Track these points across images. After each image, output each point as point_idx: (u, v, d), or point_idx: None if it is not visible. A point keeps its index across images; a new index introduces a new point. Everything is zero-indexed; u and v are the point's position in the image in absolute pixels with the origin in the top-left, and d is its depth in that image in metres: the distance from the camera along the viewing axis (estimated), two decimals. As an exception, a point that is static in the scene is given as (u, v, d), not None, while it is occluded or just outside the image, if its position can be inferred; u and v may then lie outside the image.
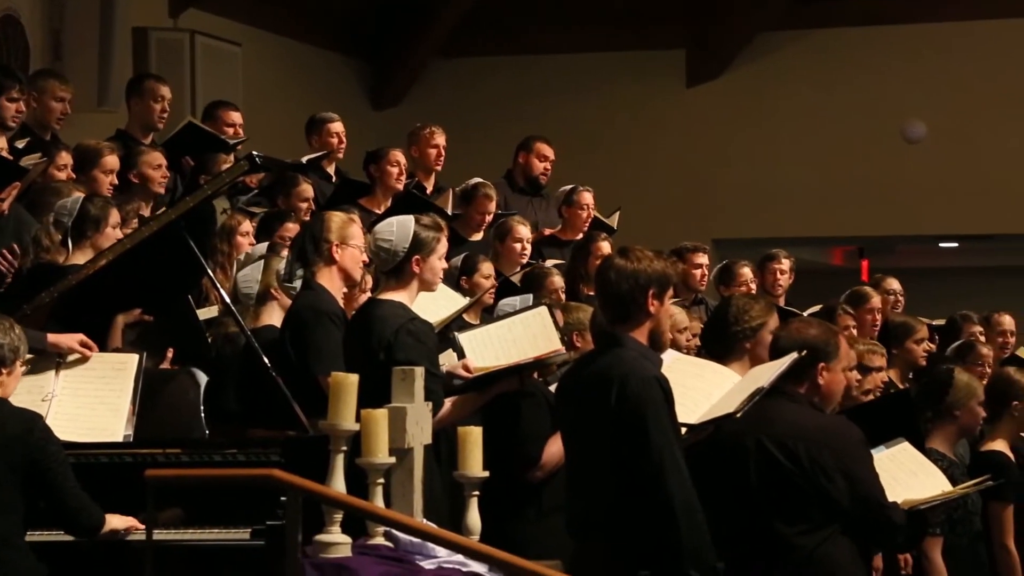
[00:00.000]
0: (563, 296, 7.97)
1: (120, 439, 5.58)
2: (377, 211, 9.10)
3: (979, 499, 6.67)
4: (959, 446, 7.04)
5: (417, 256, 5.79)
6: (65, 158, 7.81)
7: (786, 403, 5.17)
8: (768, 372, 5.16)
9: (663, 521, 4.88)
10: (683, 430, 5.10)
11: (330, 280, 6.15)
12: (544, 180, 10.44)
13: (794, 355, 5.19)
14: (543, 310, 6.16)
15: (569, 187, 10.04)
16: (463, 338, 6.07)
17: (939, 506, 5.70)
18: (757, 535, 5.11)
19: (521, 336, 6.10)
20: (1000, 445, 6.98)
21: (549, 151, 10.43)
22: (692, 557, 4.87)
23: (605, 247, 8.39)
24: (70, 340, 5.72)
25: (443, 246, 5.88)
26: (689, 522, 4.87)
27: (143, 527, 5.21)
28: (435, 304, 6.37)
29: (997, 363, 8.77)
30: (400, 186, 9.49)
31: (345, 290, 6.34)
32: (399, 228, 5.82)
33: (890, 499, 5.25)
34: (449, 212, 8.97)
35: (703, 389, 5.19)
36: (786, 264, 9.71)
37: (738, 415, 5.08)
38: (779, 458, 5.11)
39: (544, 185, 10.47)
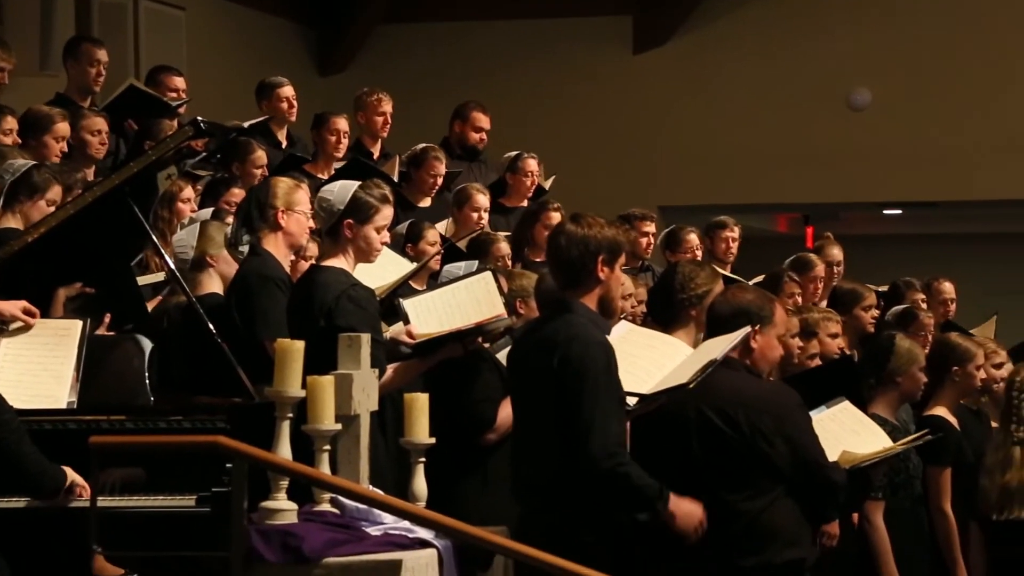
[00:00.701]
0: (509, 263, 7.97)
1: (64, 406, 5.54)
2: (322, 176, 9.07)
3: (920, 463, 6.73)
4: (902, 411, 7.10)
5: (349, 220, 5.71)
6: (11, 123, 7.73)
7: (724, 371, 5.20)
8: (721, 345, 5.18)
9: (588, 482, 4.89)
10: (634, 400, 5.12)
11: (276, 246, 6.13)
12: (481, 148, 10.43)
13: (747, 329, 5.21)
14: (487, 275, 6.16)
15: (514, 154, 10.04)
16: (407, 304, 6.06)
17: (881, 465, 5.75)
18: (703, 504, 5.13)
19: (465, 301, 6.09)
20: (941, 410, 7.04)
21: (484, 120, 10.40)
22: (633, 509, 4.89)
23: (555, 216, 8.40)
24: (12, 307, 5.66)
25: (382, 218, 5.77)
26: (616, 487, 4.89)
27: (87, 487, 5.19)
28: (381, 270, 6.35)
29: (937, 328, 8.84)
30: (339, 154, 9.47)
31: (292, 257, 6.32)
32: (340, 189, 5.81)
33: (833, 458, 5.31)
34: (395, 179, 8.95)
35: (655, 360, 5.21)
36: (736, 232, 9.77)
37: (691, 386, 5.10)
38: (720, 425, 5.15)
39: (481, 152, 10.44)
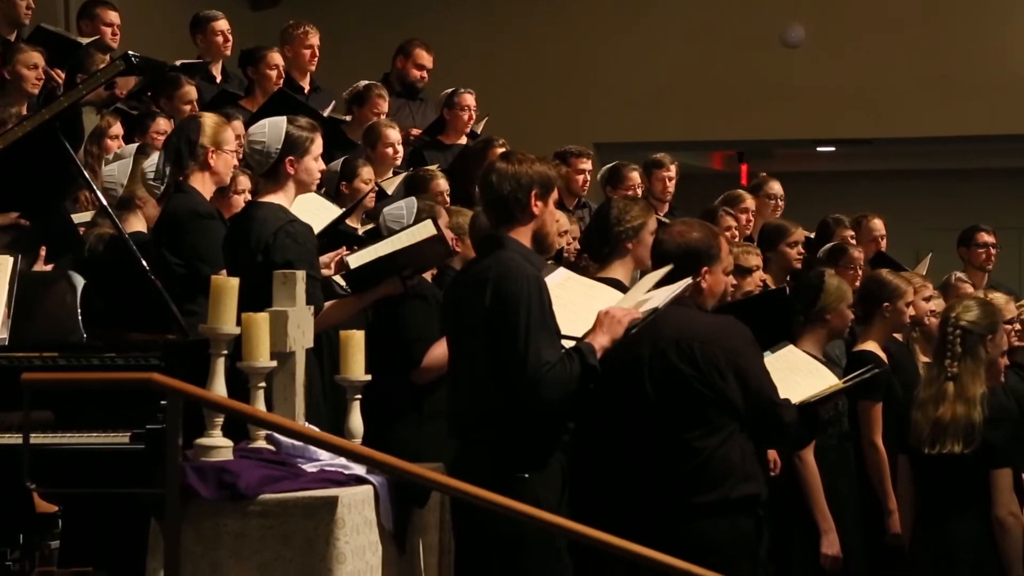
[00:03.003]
0: (448, 199, 7.96)
1: (-5, 342, 5.51)
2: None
3: (846, 400, 6.79)
4: (834, 347, 7.16)
5: (291, 157, 5.75)
6: None
7: (675, 308, 5.21)
8: (663, 295, 5.19)
9: (529, 408, 4.92)
10: (570, 344, 5.13)
11: (202, 183, 6.11)
12: (421, 86, 10.38)
13: (688, 280, 5.23)
14: (428, 223, 6.15)
15: (450, 90, 10.01)
16: (352, 259, 6.06)
17: (828, 401, 5.78)
18: (656, 444, 5.16)
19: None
20: (872, 345, 7.11)
21: (427, 58, 10.35)
22: (577, 381, 4.94)
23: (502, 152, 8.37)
24: None
25: (317, 146, 5.83)
26: (548, 383, 4.91)
27: None
28: (312, 216, 6.31)
29: (866, 264, 8.91)
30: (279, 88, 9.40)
31: (213, 193, 6.28)
32: (271, 129, 5.79)
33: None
34: (324, 114, 8.89)
35: (593, 308, 5.22)
36: (673, 170, 9.81)
37: (632, 331, 5.11)
38: (675, 362, 5.15)
39: (421, 90, 10.40)
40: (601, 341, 5.04)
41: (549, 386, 4.92)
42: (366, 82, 9.53)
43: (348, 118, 9.36)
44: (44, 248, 6.47)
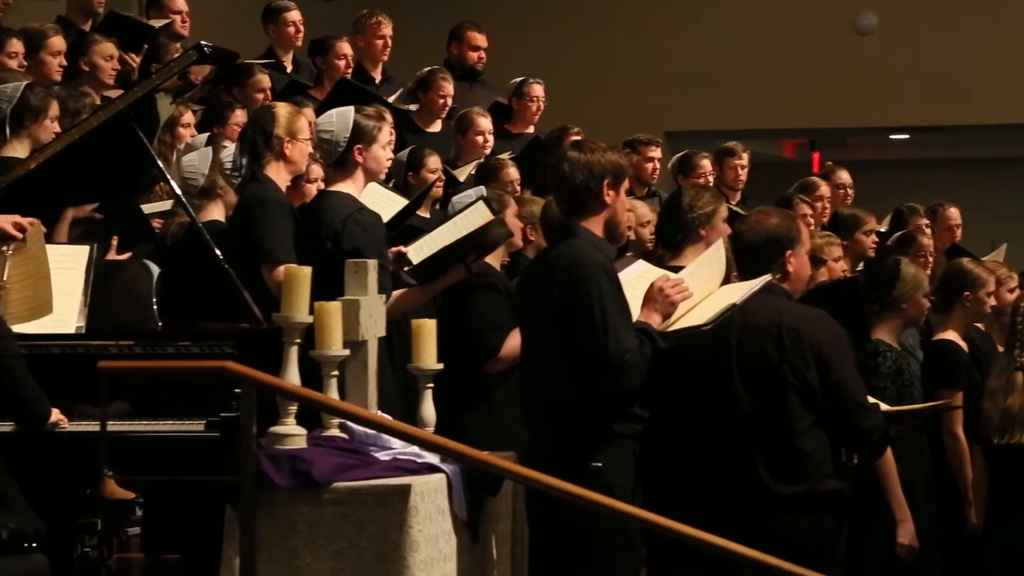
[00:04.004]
0: (518, 188, 7.96)
1: (72, 330, 5.56)
2: (326, 102, 9.04)
3: (922, 389, 6.73)
4: (908, 336, 7.10)
5: (359, 145, 5.79)
6: (16, 45, 7.70)
7: (763, 296, 5.18)
8: (741, 290, 5.17)
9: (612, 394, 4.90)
10: None
11: (277, 173, 6.14)
12: (481, 67, 10.35)
13: (768, 277, 5.20)
14: (480, 204, 6.15)
15: (519, 79, 10.00)
16: (412, 250, 6.07)
17: (907, 421, 5.73)
18: (740, 432, 5.13)
19: (464, 232, 6.08)
20: (951, 335, 7.04)
21: (481, 39, 10.32)
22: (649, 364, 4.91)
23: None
24: (3, 221, 5.63)
25: (385, 134, 5.87)
26: (629, 369, 4.90)
27: (67, 420, 5.22)
28: (381, 209, 6.33)
29: (940, 253, 8.84)
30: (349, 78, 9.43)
31: (290, 183, 6.32)
32: (339, 119, 5.82)
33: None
34: (390, 101, 8.91)
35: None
36: (745, 158, 9.77)
37: (706, 328, 5.09)
38: (763, 348, 5.12)
39: (481, 72, 10.38)
40: (655, 320, 5.03)
41: (632, 371, 4.91)
42: (429, 68, 9.54)
43: (415, 107, 9.37)
44: (116, 238, 6.53)
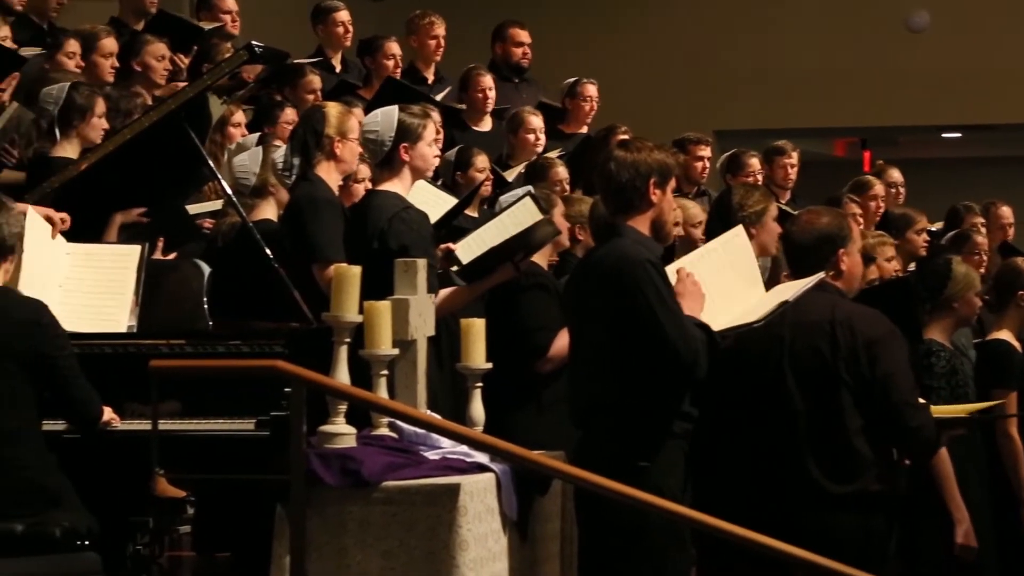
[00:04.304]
0: (567, 188, 7.95)
1: (124, 330, 5.60)
2: (379, 102, 9.06)
3: (975, 388, 6.68)
4: (961, 335, 7.05)
5: (405, 144, 5.82)
6: (73, 45, 7.75)
7: (816, 293, 5.17)
8: (794, 288, 5.15)
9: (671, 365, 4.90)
10: None
11: (328, 172, 6.16)
12: (526, 64, 10.34)
13: (821, 274, 5.18)
14: (527, 200, 6.16)
15: (573, 79, 10.00)
16: (460, 248, 6.08)
17: (955, 428, 5.68)
18: (791, 430, 5.11)
19: (511, 229, 6.09)
20: (1005, 334, 6.99)
21: (523, 35, 10.32)
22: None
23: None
24: (43, 211, 5.65)
25: (431, 132, 5.90)
26: (704, 354, 4.91)
27: (119, 419, 5.25)
28: (430, 208, 6.33)
29: (993, 252, 8.79)
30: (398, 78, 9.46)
31: (341, 182, 6.34)
32: (383, 118, 5.85)
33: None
34: (437, 99, 8.92)
35: (726, 296, 5.19)
36: (795, 157, 9.73)
37: (758, 324, 5.07)
38: (816, 344, 5.10)
39: (527, 69, 10.38)
40: (696, 311, 5.02)
41: (703, 358, 4.91)
42: (466, 67, 9.57)
43: (463, 106, 9.40)
44: (162, 239, 6.56)
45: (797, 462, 5.08)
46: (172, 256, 6.54)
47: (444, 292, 5.91)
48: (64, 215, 5.70)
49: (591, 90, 9.93)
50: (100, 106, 6.66)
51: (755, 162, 9.43)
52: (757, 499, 5.10)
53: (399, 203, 5.80)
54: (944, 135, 15.62)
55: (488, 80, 9.43)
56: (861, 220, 8.58)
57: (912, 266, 8.26)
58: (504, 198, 6.84)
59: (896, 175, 9.89)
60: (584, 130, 9.89)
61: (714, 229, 6.14)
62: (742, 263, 5.36)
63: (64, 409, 5.17)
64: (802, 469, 5.07)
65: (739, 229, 5.48)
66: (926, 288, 6.81)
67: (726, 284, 5.25)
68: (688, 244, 7.26)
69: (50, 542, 4.94)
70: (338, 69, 9.73)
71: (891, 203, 9.54)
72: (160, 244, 6.55)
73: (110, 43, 7.90)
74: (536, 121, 8.99)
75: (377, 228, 5.72)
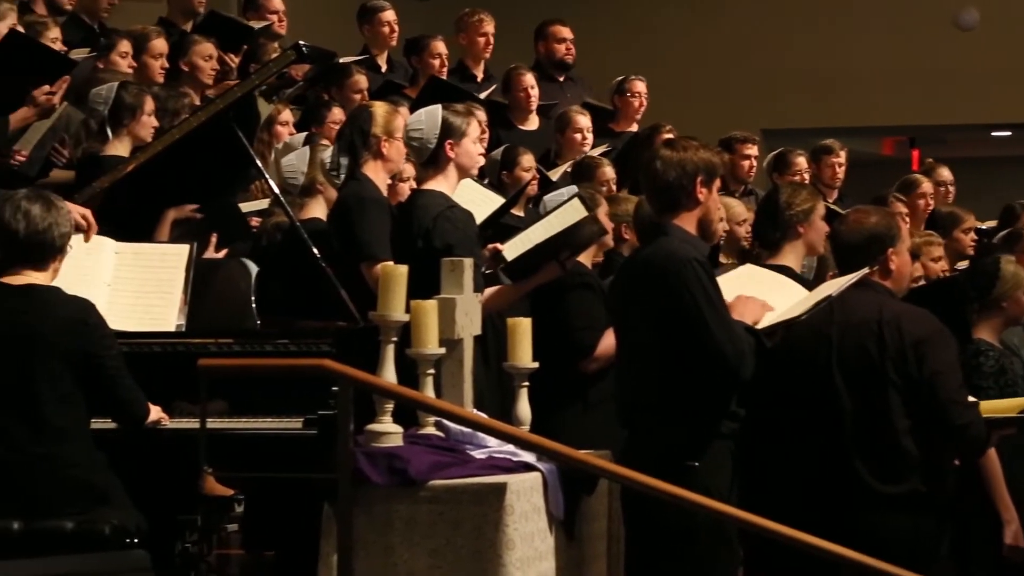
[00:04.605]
0: (614, 187, 7.95)
1: (173, 328, 5.62)
2: (425, 101, 9.07)
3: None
4: (1012, 334, 7.00)
5: (450, 140, 5.83)
6: (126, 45, 7.80)
7: (863, 292, 5.15)
8: (837, 284, 5.14)
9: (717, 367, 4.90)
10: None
11: (375, 171, 6.17)
12: (570, 60, 10.33)
13: (865, 270, 5.16)
14: (575, 202, 6.16)
15: (621, 77, 10.00)
16: (507, 248, 6.08)
17: (1008, 427, 5.65)
18: (839, 430, 5.09)
19: (558, 229, 6.08)
20: (1056, 333, 6.95)
21: (565, 31, 10.32)
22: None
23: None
24: (76, 210, 5.66)
25: (475, 129, 5.91)
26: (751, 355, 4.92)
27: (168, 418, 5.28)
28: (476, 207, 6.35)
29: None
30: (443, 78, 9.47)
31: (389, 181, 6.36)
32: (428, 117, 5.87)
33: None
34: (481, 97, 8.93)
35: (773, 298, 5.18)
36: (842, 156, 9.70)
37: (803, 318, 5.06)
38: (864, 344, 5.08)
39: (571, 65, 10.37)
40: (748, 316, 5.03)
41: (749, 360, 4.91)
42: (507, 69, 9.59)
43: (507, 102, 9.41)
44: (215, 236, 6.60)
45: (845, 462, 5.06)
46: (224, 253, 6.56)
47: (490, 291, 5.92)
48: (83, 222, 5.68)
49: (640, 87, 9.93)
50: (149, 104, 6.71)
51: (802, 161, 9.41)
52: (805, 500, 5.08)
53: (444, 202, 5.81)
54: (993, 133, 15.51)
55: (530, 79, 9.45)
56: (907, 219, 8.55)
57: (960, 265, 8.22)
58: (549, 198, 6.85)
59: (945, 174, 9.84)
60: (634, 128, 9.89)
61: (762, 228, 6.13)
62: (766, 281, 5.36)
63: (110, 408, 5.19)
64: (850, 469, 5.05)
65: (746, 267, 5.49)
66: (974, 287, 6.77)
67: (764, 295, 5.25)
68: (732, 242, 7.25)
69: (99, 540, 4.96)
70: (384, 69, 9.75)
71: (940, 202, 9.50)
72: (213, 241, 6.58)
73: (160, 44, 7.94)
74: (584, 121, 9.00)
75: (422, 227, 5.74)
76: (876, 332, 5.10)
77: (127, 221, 6.07)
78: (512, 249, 6.06)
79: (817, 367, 5.13)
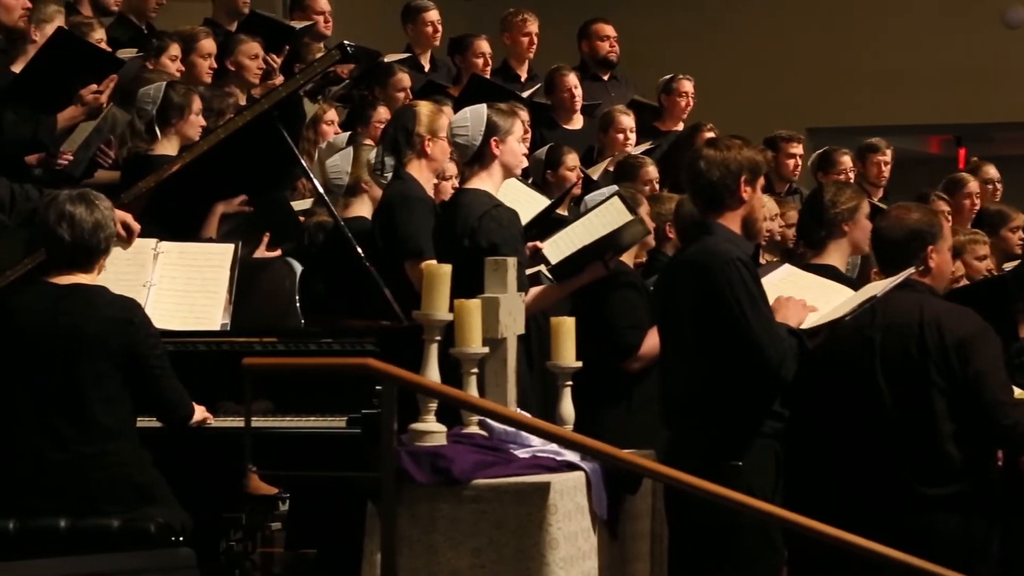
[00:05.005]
0: (656, 187, 7.94)
1: (218, 327, 5.65)
2: (469, 100, 9.07)
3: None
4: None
5: (495, 139, 5.82)
6: (176, 49, 7.84)
7: (904, 293, 5.12)
8: (883, 284, 5.12)
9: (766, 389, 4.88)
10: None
11: (419, 170, 6.18)
12: (614, 58, 10.31)
13: (911, 270, 5.13)
14: (615, 199, 6.15)
15: (668, 76, 9.98)
16: (547, 247, 6.08)
17: None
18: (883, 431, 5.07)
19: (599, 228, 6.09)
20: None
21: (608, 29, 10.31)
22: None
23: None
24: (120, 215, 5.69)
25: (519, 128, 5.91)
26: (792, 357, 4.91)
27: (213, 418, 5.30)
28: (521, 207, 6.35)
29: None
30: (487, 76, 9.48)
31: (435, 181, 6.37)
32: (473, 116, 5.87)
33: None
34: (524, 96, 8.93)
35: (815, 302, 5.16)
36: (888, 155, 9.67)
37: (847, 318, 5.04)
38: (906, 345, 5.06)
39: (615, 63, 10.35)
40: (792, 319, 5.02)
41: (790, 362, 4.89)
42: (549, 70, 9.58)
43: (549, 102, 9.41)
44: (267, 234, 6.62)
45: (891, 464, 5.03)
46: (276, 253, 6.58)
47: (534, 291, 5.92)
48: (133, 226, 5.68)
49: (687, 86, 9.92)
50: (197, 103, 6.74)
51: (846, 159, 9.39)
52: (851, 501, 5.05)
53: (489, 201, 5.81)
54: (1041, 132, 15.40)
55: (573, 79, 9.44)
56: (950, 218, 8.50)
57: (1008, 265, 8.16)
58: (590, 198, 6.84)
59: (992, 172, 9.79)
60: (680, 127, 9.88)
61: (806, 227, 6.11)
62: (809, 283, 5.34)
63: (155, 407, 5.22)
64: (895, 472, 5.02)
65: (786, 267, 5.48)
66: (1020, 286, 6.73)
67: (806, 297, 5.24)
68: (770, 239, 7.24)
69: (145, 537, 4.99)
70: (427, 68, 9.76)
71: (987, 200, 9.44)
72: (265, 240, 6.61)
73: (208, 44, 7.98)
74: (627, 120, 8.99)
75: (467, 226, 5.73)
76: (917, 333, 5.06)
77: (174, 220, 6.10)
78: (552, 247, 6.05)
79: (860, 370, 5.10)
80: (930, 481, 5.00)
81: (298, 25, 9.11)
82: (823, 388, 5.11)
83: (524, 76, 9.98)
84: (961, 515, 5.00)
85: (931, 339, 5.04)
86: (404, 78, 8.73)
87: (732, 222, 5.08)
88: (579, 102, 9.45)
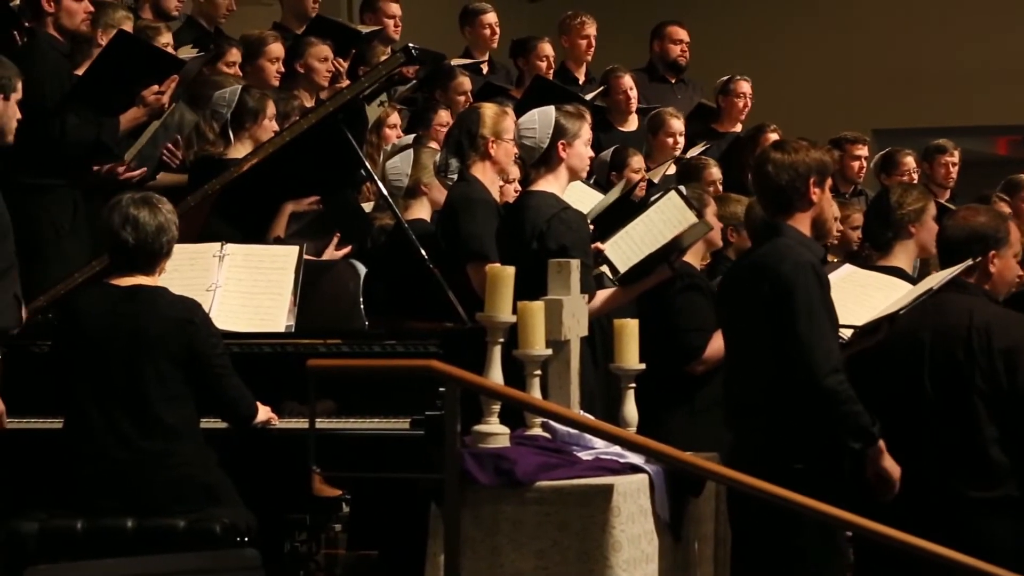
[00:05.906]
0: (720, 188, 7.91)
1: (282, 329, 5.68)
2: (532, 102, 9.07)
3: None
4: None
5: (562, 141, 5.82)
6: (235, 55, 7.89)
7: (957, 295, 5.08)
8: (939, 277, 5.08)
9: (810, 404, 4.85)
10: (849, 332, 5.05)
11: (483, 172, 6.18)
12: (683, 62, 10.29)
13: (969, 261, 5.09)
14: (672, 195, 6.14)
15: (726, 77, 9.94)
16: (609, 248, 6.07)
17: None
18: (931, 432, 5.04)
19: (659, 225, 6.07)
20: None
21: (682, 33, 10.29)
22: (847, 432, 4.85)
23: (774, 139, 8.30)
24: None
25: (586, 131, 5.90)
26: (836, 402, 4.84)
27: (277, 418, 5.33)
28: (580, 206, 6.34)
29: None
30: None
31: (500, 183, 6.37)
32: (541, 118, 5.86)
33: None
34: (587, 99, 8.92)
35: (875, 298, 5.13)
36: (956, 156, 9.60)
37: (901, 312, 5.01)
38: (953, 348, 5.03)
39: (684, 66, 10.33)
40: (886, 456, 4.97)
41: (833, 394, 4.84)
42: (605, 70, 9.57)
43: (605, 105, 9.40)
44: (337, 235, 6.65)
45: (936, 468, 5.00)
46: (345, 251, 6.61)
47: (602, 294, 5.91)
48: None
49: (744, 87, 9.87)
50: (271, 108, 6.78)
51: (910, 160, 9.32)
52: (903, 504, 5.02)
53: (557, 203, 5.81)
54: (1110, 132, 15.23)
55: (628, 80, 9.44)
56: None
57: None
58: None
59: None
60: (738, 128, 9.84)
61: (872, 229, 6.07)
62: (871, 282, 5.31)
63: (218, 408, 5.25)
64: (941, 475, 4.99)
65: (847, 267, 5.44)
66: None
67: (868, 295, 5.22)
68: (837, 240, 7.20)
69: (211, 538, 5.03)
70: (485, 71, 9.77)
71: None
72: (335, 240, 6.64)
73: (277, 48, 8.02)
74: (677, 124, 8.92)
75: (536, 229, 5.73)
76: (965, 339, 5.03)
77: (243, 219, 6.14)
78: (614, 248, 6.04)
79: (909, 371, 5.07)
80: (977, 485, 4.96)
81: (365, 29, 9.14)
82: (876, 388, 5.08)
83: (582, 79, 9.97)
84: (1012, 520, 4.96)
85: (978, 344, 5.01)
86: (465, 81, 8.75)
87: (802, 223, 5.07)
88: (635, 104, 9.44)
